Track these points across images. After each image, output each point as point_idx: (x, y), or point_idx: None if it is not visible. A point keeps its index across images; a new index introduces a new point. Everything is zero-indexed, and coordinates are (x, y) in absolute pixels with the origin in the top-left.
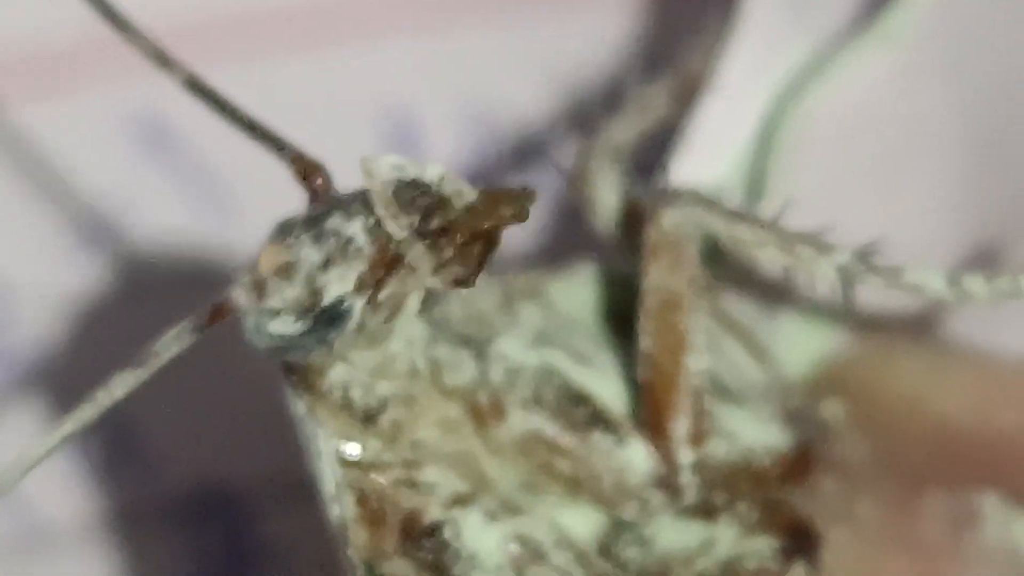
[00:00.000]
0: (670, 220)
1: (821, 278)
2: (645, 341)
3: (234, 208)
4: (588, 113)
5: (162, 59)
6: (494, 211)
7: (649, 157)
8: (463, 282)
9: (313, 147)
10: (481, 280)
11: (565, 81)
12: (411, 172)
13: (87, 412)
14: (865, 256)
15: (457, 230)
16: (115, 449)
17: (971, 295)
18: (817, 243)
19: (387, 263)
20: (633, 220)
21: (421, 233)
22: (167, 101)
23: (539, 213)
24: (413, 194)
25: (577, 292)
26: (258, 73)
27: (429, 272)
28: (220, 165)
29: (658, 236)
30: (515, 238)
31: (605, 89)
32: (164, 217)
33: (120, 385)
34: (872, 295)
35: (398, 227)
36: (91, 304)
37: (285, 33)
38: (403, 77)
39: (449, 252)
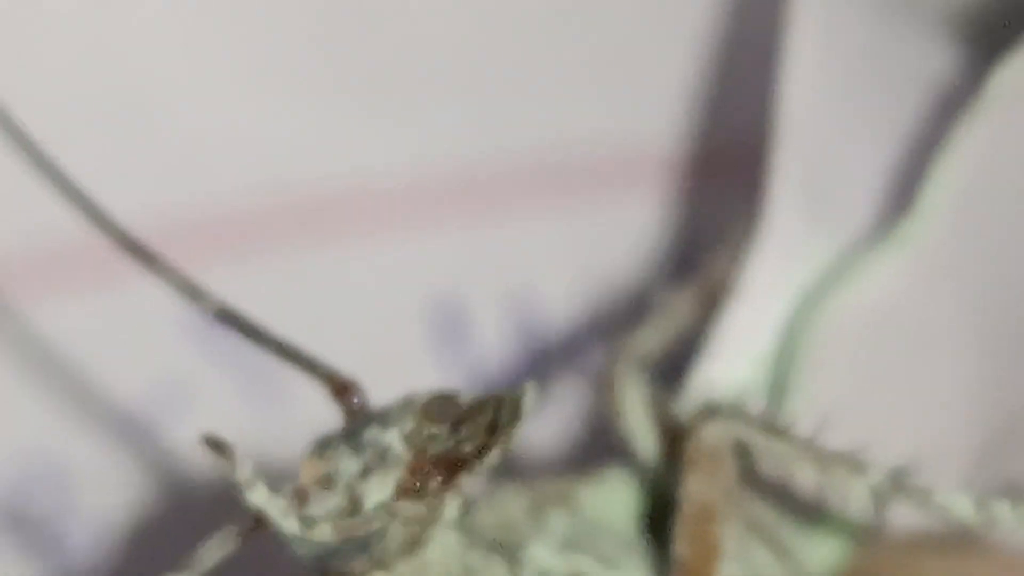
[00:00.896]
0: (710, 434)
1: (854, 498)
2: (680, 547)
3: (283, 398)
4: (617, 316)
5: (192, 292)
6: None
7: (675, 360)
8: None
9: (362, 335)
10: (511, 488)
11: (595, 276)
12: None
13: None
14: (897, 477)
15: (477, 434)
16: None
17: (997, 521)
18: (851, 463)
19: (424, 469)
20: (668, 431)
21: (453, 439)
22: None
23: (568, 418)
24: (443, 404)
25: (605, 497)
26: (307, 261)
27: (467, 479)
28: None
29: (697, 448)
30: (543, 441)
31: (634, 291)
32: (217, 405)
33: None
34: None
35: (432, 434)
36: (146, 490)
37: (334, 222)
38: (449, 267)
39: (473, 452)
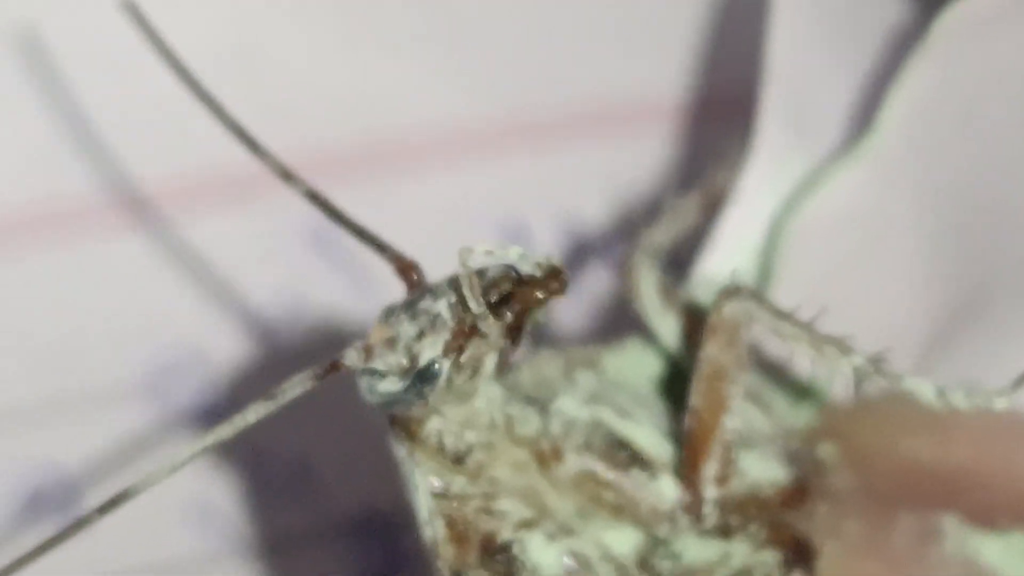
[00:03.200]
0: (730, 309)
1: (839, 373)
2: (695, 399)
3: (377, 290)
4: (635, 221)
5: (286, 175)
6: (542, 286)
7: (682, 254)
8: (515, 339)
9: (443, 246)
10: (548, 353)
11: (621, 195)
12: (496, 255)
13: (225, 431)
14: (876, 361)
15: (517, 301)
16: (295, 477)
17: (954, 404)
18: (840, 344)
19: (466, 332)
20: (681, 309)
21: (491, 308)
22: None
23: (596, 299)
24: (485, 279)
25: (625, 362)
26: (401, 189)
27: (498, 338)
28: (367, 260)
29: (718, 320)
30: (576, 319)
31: (649, 201)
32: (327, 297)
33: (253, 413)
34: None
35: (474, 304)
36: (276, 365)
37: (423, 157)
38: (510, 192)
39: (510, 320)
